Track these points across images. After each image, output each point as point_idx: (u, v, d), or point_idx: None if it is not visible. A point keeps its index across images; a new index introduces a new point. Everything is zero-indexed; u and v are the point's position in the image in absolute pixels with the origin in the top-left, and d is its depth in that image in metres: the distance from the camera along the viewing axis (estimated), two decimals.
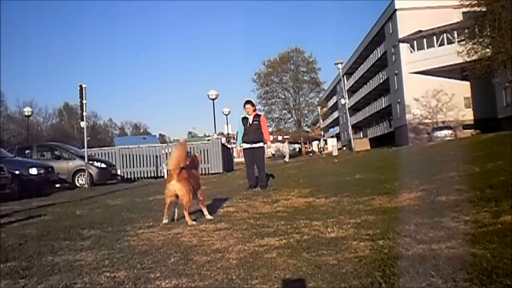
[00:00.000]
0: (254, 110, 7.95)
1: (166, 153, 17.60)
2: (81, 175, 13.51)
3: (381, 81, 43.27)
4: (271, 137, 76.28)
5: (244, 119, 7.89)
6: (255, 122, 7.79)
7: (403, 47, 36.74)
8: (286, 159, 31.21)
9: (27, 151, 14.39)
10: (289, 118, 51.25)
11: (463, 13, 26.91)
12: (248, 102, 7.91)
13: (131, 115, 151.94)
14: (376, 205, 4.69)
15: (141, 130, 76.42)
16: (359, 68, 49.90)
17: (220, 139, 19.84)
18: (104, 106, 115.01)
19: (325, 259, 2.62)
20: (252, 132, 7.77)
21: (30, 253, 3.23)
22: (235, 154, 24.72)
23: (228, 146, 23.02)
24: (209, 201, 6.29)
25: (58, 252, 3.29)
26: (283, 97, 50.55)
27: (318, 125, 60.82)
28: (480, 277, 2.04)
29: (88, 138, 16.37)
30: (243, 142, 7.91)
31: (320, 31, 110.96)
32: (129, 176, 17.30)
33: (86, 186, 12.77)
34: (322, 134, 62.84)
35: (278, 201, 5.78)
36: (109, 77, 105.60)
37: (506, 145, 9.59)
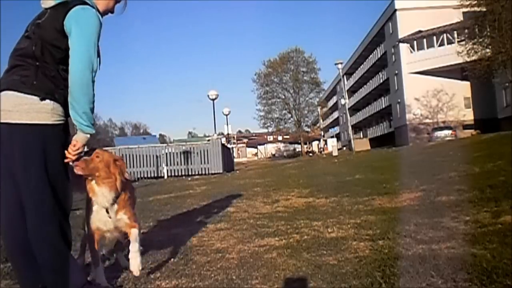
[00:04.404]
0: None
1: (166, 153, 17.60)
2: None
3: (381, 81, 43.24)
4: (271, 137, 75.64)
5: None
6: None
7: (403, 47, 36.72)
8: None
9: None
10: (289, 118, 51.24)
11: (463, 13, 26.90)
12: None
13: (131, 115, 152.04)
14: (376, 205, 4.68)
15: (141, 130, 76.39)
16: (359, 68, 49.86)
17: (220, 139, 19.86)
18: (104, 106, 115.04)
19: (325, 259, 2.63)
20: None
21: None
22: (235, 154, 24.73)
23: (228, 146, 23.01)
24: (209, 201, 6.30)
25: None
26: (283, 97, 50.56)
27: (318, 125, 60.83)
28: (480, 277, 2.04)
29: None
30: None
31: (320, 31, 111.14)
32: None
33: None
34: (322, 134, 62.86)
35: (278, 201, 5.78)
36: (109, 77, 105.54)
37: (506, 145, 9.58)
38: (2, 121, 2.05)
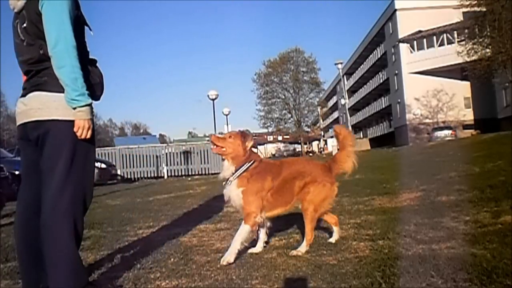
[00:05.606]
0: None
1: (166, 153, 17.62)
2: None
3: (381, 81, 43.26)
4: (271, 137, 75.50)
5: None
6: None
7: (403, 47, 36.73)
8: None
9: None
10: (289, 118, 51.19)
11: (463, 13, 26.91)
12: None
13: (131, 115, 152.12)
14: (376, 205, 4.68)
15: (141, 130, 76.48)
16: (359, 68, 49.89)
17: None
18: (104, 106, 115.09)
19: (325, 259, 2.62)
20: None
21: None
22: None
23: None
24: (209, 201, 6.30)
25: None
26: (283, 97, 50.51)
27: (318, 125, 60.81)
28: (480, 277, 2.04)
29: None
30: None
31: (320, 31, 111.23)
32: (129, 176, 17.30)
33: None
34: (322, 134, 62.83)
35: None
36: (108, 76, 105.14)
37: (506, 145, 9.58)
38: (32, 119, 2.06)
